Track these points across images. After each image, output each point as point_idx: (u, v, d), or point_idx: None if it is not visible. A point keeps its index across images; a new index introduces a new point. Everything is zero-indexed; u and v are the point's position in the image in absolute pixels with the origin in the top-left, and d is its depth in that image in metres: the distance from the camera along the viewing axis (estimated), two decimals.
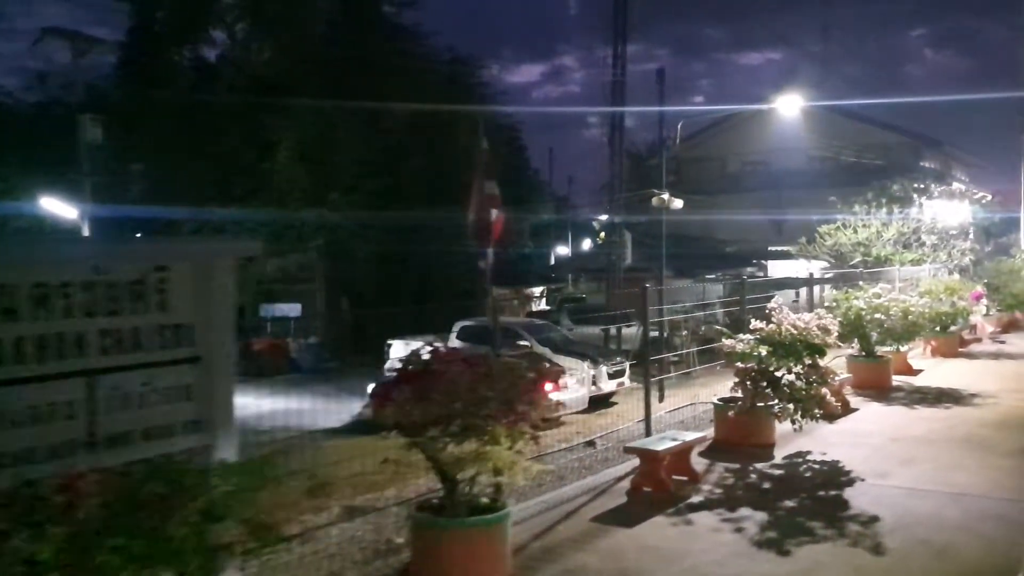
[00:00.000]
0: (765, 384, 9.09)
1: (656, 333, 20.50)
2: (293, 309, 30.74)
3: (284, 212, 29.05)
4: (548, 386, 16.68)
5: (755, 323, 9.62)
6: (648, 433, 8.90)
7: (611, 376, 19.23)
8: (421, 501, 6.37)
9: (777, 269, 32.17)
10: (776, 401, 9.10)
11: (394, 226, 30.88)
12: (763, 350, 9.25)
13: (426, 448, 5.52)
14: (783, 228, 35.44)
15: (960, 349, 18.38)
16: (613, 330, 23.36)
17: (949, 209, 24.34)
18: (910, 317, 13.20)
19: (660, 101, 17.62)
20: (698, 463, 8.71)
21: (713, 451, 9.35)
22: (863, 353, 13.64)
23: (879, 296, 13.36)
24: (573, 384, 16.93)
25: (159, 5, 32.31)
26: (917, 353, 17.63)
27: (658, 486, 7.71)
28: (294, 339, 28.79)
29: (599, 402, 18.72)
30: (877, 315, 13.06)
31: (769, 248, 36.51)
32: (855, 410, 11.77)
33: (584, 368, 18.67)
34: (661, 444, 7.82)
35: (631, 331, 23.71)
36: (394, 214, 29.71)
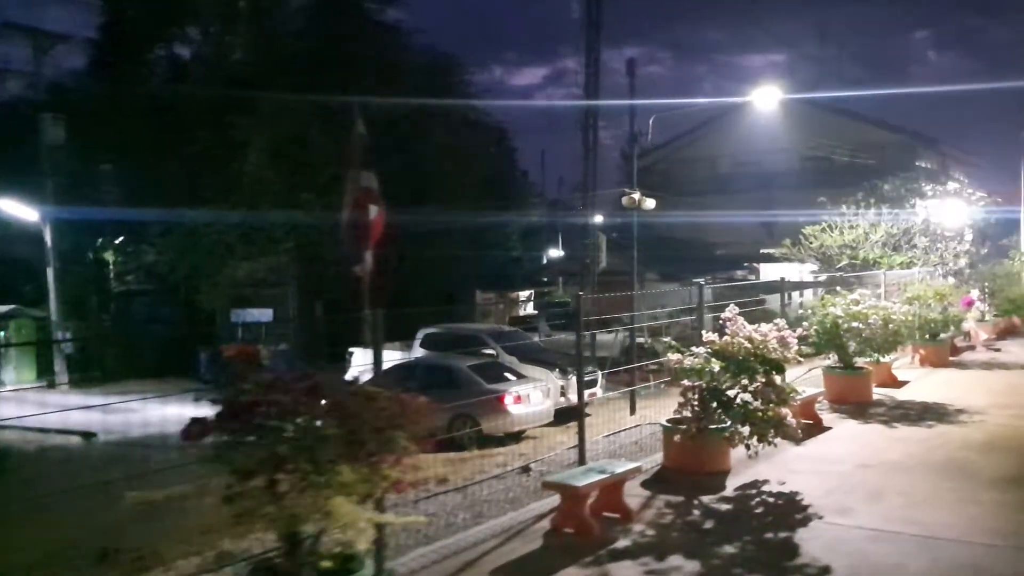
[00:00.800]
0: (715, 405, 8.02)
1: (637, 340, 19.71)
2: (265, 314, 29.73)
3: (255, 213, 28.05)
4: (508, 399, 15.63)
5: (707, 335, 8.56)
6: (582, 461, 7.83)
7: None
8: (258, 562, 5.27)
9: (769, 272, 31.11)
10: (727, 423, 8.04)
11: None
12: (716, 365, 8.20)
13: (247, 500, 4.44)
14: (774, 230, 34.35)
15: (952, 358, 17.29)
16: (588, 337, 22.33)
17: (944, 209, 23.24)
18: (891, 326, 12.12)
19: (631, 94, 16.57)
20: (637, 496, 7.66)
21: (658, 481, 8.30)
22: (841, 365, 12.56)
23: (857, 303, 12.28)
24: (536, 396, 15.89)
25: (130, 2, 31.36)
26: (905, 363, 16.57)
27: (581, 527, 6.64)
28: (264, 346, 27.82)
29: (571, 414, 17.71)
30: (855, 324, 11.99)
31: (761, 251, 35.45)
32: (827, 429, 10.71)
33: (551, 378, 17.64)
34: (585, 478, 6.76)
35: (609, 337, 22.73)
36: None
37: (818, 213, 23.25)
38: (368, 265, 5.83)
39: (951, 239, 21.99)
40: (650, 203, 16.52)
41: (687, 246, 37.67)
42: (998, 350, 19.24)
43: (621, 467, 7.17)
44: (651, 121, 16.50)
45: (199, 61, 30.70)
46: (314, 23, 32.04)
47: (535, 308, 39.19)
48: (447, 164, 33.51)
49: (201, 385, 26.17)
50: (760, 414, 8.02)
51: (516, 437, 15.40)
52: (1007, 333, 22.30)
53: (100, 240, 30.55)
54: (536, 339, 23.38)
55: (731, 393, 8.24)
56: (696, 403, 8.02)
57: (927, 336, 16.34)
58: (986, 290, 22.41)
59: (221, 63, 29.63)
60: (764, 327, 8.59)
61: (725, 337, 8.46)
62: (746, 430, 8.11)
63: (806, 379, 13.63)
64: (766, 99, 16.31)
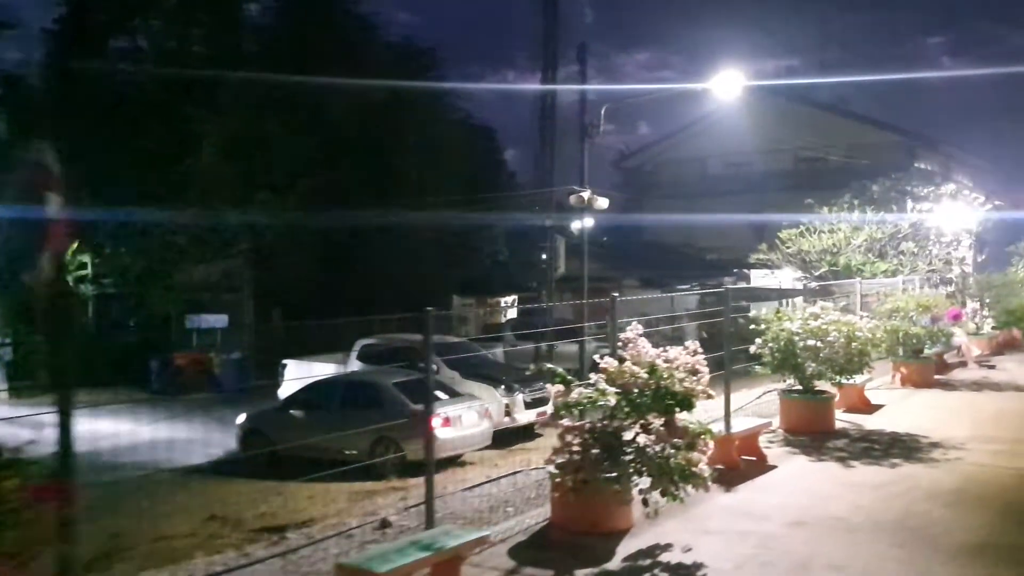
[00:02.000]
0: (599, 451, 6.35)
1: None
2: (220, 320, 28.14)
3: (209, 213, 26.49)
4: (436, 421, 13.96)
5: (604, 360, 6.89)
6: (429, 523, 6.17)
7: (531, 404, 16.54)
8: None
9: (762, 279, 29.35)
10: (616, 473, 6.37)
11: (336, 229, 28.29)
12: (612, 399, 6.54)
13: None
14: (765, 234, 32.58)
15: (938, 376, 15.56)
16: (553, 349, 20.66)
17: (938, 213, 21.47)
18: (854, 344, 10.42)
19: (582, 80, 14.92)
20: (494, 571, 6.01)
21: (535, 545, 6.64)
22: (799, 388, 10.87)
23: (816, 317, 10.58)
24: (470, 417, 14.24)
25: None
26: (884, 382, 14.86)
27: None
28: (217, 354, 26.22)
29: (521, 434, 16.10)
30: (811, 341, 10.30)
31: (750, 256, 33.68)
32: (771, 468, 9.02)
33: (494, 396, 16.00)
34: (399, 559, 5.09)
35: (575, 349, 21.05)
36: (335, 215, 27.06)
37: (811, 217, 21.50)
38: (47, 272, 4.14)
39: (946, 244, 20.22)
40: (602, 202, 14.85)
41: (675, 251, 35.95)
42: (992, 367, 17.49)
43: (457, 538, 5.49)
44: (603, 111, 14.82)
45: (156, 53, 29.16)
46: (278, 13, 30.58)
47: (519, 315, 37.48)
48: (421, 162, 31.93)
49: (150, 394, 24.67)
50: (660, 462, 6.35)
51: (454, 462, 13.79)
52: (1005, 347, 20.54)
53: None
54: (498, 350, 21.68)
55: (628, 435, 6.58)
56: (577, 448, 6.35)
57: (909, 353, 14.63)
58: (982, 301, 20.70)
59: (178, 54, 28.07)
60: (674, 351, 6.92)
61: (626, 363, 6.80)
62: (646, 481, 6.45)
63: (759, 405, 11.98)
64: (727, 86, 14.66)
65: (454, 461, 13.82)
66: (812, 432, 10.59)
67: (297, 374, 18.89)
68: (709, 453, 6.62)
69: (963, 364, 17.34)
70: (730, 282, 33.06)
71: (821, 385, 10.97)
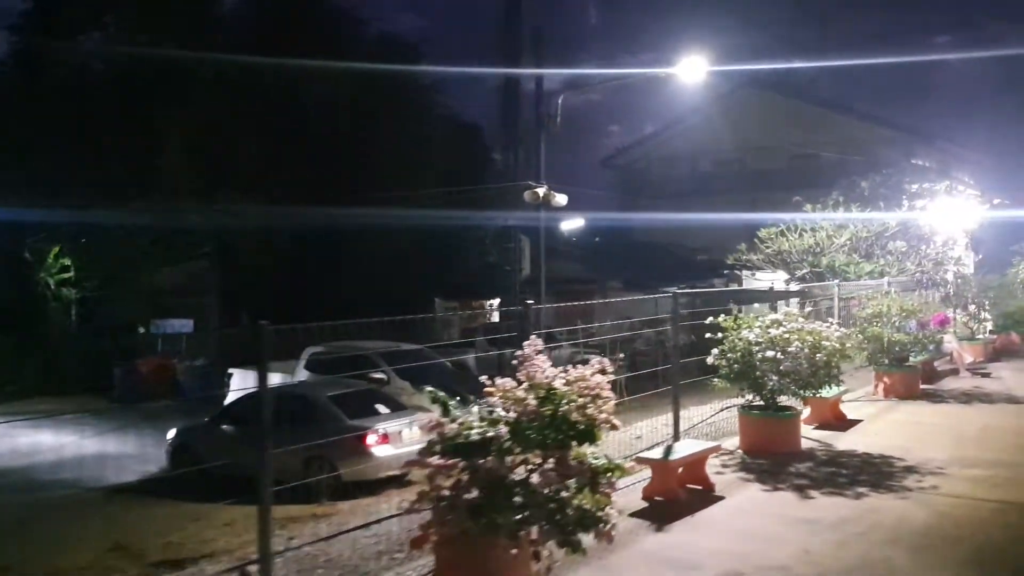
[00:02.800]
0: (481, 494, 5.22)
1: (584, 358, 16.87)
2: (185, 325, 27.12)
3: (173, 215, 25.43)
4: (372, 438, 12.82)
5: (495, 382, 5.75)
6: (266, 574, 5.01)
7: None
8: None
9: (755, 281, 28.16)
10: (501, 521, 5.23)
11: (310, 229, 27.20)
12: (503, 429, 5.42)
13: None
14: (755, 233, 31.38)
15: (925, 386, 14.41)
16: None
17: (933, 210, 20.26)
18: (819, 355, 9.27)
19: (536, 63, 13.74)
20: None
21: None
22: (761, 404, 9.73)
23: (779, 324, 9.43)
24: (412, 434, 13.08)
25: None
26: (866, 393, 13.73)
27: None
28: (181, 360, 25.16)
29: None
30: (770, 352, 9.16)
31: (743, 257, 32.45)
32: (717, 499, 7.89)
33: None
34: None
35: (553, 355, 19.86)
36: (307, 215, 25.97)
37: (795, 216, 20.28)
38: None
39: (940, 244, 18.99)
40: (561, 199, 13.70)
41: (665, 251, 34.77)
42: (987, 375, 16.33)
43: None
44: (559, 100, 13.70)
45: (121, 47, 28.07)
46: (249, 5, 29.51)
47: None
48: (398, 160, 30.77)
49: (111, 403, 23.62)
50: (553, 507, 5.22)
51: (398, 482, 12.67)
52: (1003, 353, 19.38)
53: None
54: (470, 357, 20.51)
55: (520, 473, 5.46)
56: (447, 492, 5.22)
57: (893, 361, 13.47)
58: (979, 303, 19.50)
59: (144, 49, 26.99)
60: (581, 369, 5.79)
61: (521, 386, 5.67)
62: (534, 530, 5.32)
63: (718, 422, 10.85)
64: (690, 71, 13.54)
65: (400, 480, 12.73)
66: (774, 453, 9.47)
67: (243, 385, 17.85)
68: (613, 494, 5.48)
69: (955, 371, 16.18)
70: (721, 283, 31.94)
71: (788, 400, 9.84)
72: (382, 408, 13.46)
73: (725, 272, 32.36)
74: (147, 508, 12.26)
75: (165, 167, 25.40)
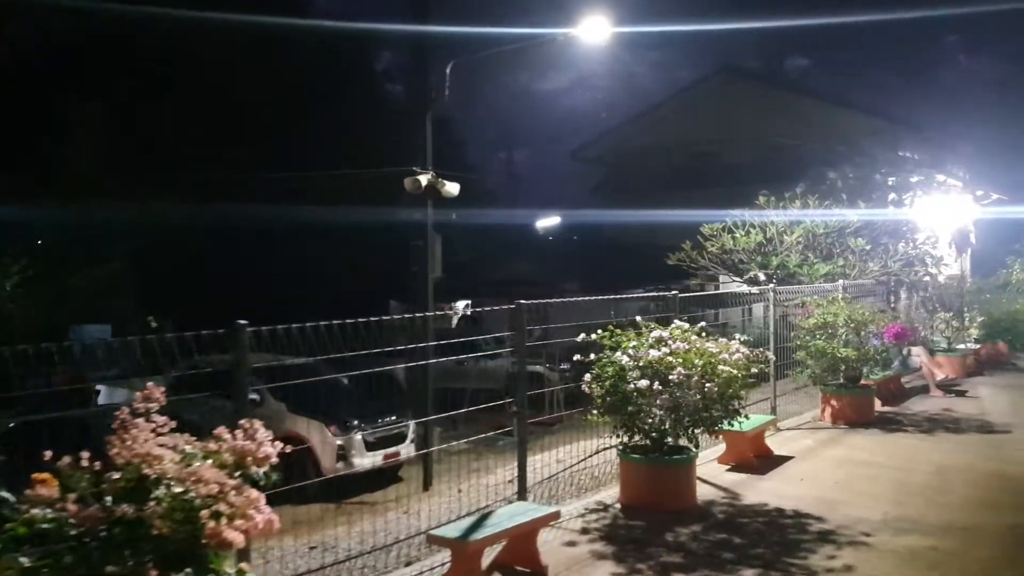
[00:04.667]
0: None
1: (534, 369, 14.57)
2: (103, 331, 24.97)
3: (86, 210, 23.30)
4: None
5: (113, 441, 3.55)
6: None
7: (374, 446, 13.28)
8: None
9: (733, 283, 25.92)
10: None
11: (245, 227, 25.04)
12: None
13: None
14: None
15: (886, 409, 12.20)
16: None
17: (911, 206, 17.97)
18: (709, 385, 7.06)
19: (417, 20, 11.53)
20: None
21: None
22: (644, 445, 7.51)
23: (661, 343, 7.22)
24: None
25: None
26: (812, 417, 11.53)
27: None
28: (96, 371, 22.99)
29: (375, 480, 12.91)
30: (643, 382, 6.95)
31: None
32: None
33: (325, 437, 12.73)
34: None
35: (492, 364, 17.70)
36: (241, 213, 23.82)
37: (760, 213, 18.03)
38: None
39: (918, 242, 16.73)
40: (453, 188, 11.54)
41: (634, 251, 32.51)
42: (963, 393, 14.09)
43: None
44: (448, 69, 11.52)
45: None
46: None
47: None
48: (345, 151, 28.50)
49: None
50: None
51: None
52: (987, 364, 17.13)
53: None
54: (399, 368, 18.29)
55: None
56: None
57: (842, 380, 11.25)
58: (956, 309, 17.29)
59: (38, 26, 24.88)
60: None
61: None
62: None
63: (601, 464, 8.64)
64: (591, 33, 11.38)
65: None
66: (661, 510, 7.28)
67: (108, 401, 15.81)
68: None
69: (924, 389, 13.93)
70: (696, 285, 29.71)
71: (675, 442, 7.62)
72: None
73: (697, 271, 30.18)
74: None
75: (71, 161, 23.27)
